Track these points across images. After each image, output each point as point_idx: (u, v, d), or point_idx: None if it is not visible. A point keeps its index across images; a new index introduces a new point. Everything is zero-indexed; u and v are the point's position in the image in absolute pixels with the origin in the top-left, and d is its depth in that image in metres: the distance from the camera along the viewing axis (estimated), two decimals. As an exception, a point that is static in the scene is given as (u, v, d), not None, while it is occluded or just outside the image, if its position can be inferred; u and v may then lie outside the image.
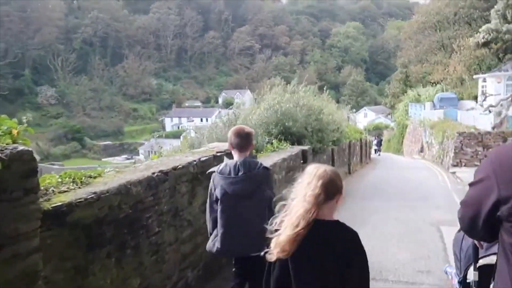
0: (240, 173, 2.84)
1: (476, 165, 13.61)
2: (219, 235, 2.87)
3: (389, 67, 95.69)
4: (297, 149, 7.28)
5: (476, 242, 1.97)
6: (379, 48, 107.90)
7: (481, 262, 2.15)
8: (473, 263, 2.18)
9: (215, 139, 7.64)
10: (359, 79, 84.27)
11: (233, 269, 3.12)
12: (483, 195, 1.39)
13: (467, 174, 12.12)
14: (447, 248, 4.95)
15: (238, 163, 2.89)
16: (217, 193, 2.85)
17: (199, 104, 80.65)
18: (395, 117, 39.27)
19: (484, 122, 19.12)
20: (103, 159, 61.63)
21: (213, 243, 2.91)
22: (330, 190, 1.85)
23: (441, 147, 17.29)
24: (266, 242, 2.14)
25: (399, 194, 8.64)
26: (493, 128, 16.35)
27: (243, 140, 2.96)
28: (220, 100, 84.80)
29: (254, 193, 2.87)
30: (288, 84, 9.77)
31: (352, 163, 13.87)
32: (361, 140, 17.15)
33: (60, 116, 67.95)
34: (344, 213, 7.22)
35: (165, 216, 3.21)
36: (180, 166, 3.40)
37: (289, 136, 8.27)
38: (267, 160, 5.41)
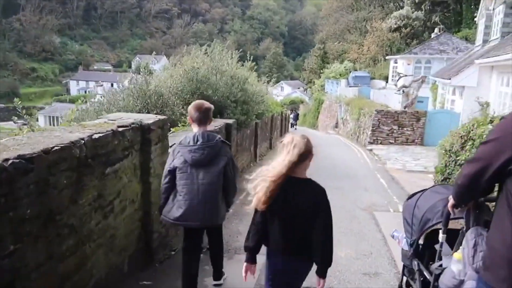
0: (198, 143, 3.00)
1: (391, 143, 14.07)
2: (179, 202, 2.97)
3: (306, 43, 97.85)
4: (220, 122, 6.32)
5: (449, 208, 2.27)
6: (297, 23, 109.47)
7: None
8: (443, 227, 2.47)
9: (120, 110, 6.34)
10: (278, 53, 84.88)
11: (183, 246, 3.15)
12: (497, 151, 1.61)
13: (384, 152, 12.39)
14: (386, 239, 4.52)
15: (197, 134, 3.05)
16: (176, 163, 2.99)
17: (110, 67, 74.54)
18: (312, 92, 40.12)
19: (394, 101, 20.07)
20: (-6, 124, 54.16)
21: (170, 210, 2.98)
22: (304, 155, 2.22)
23: (357, 124, 17.68)
24: (221, 214, 2.98)
25: (324, 172, 8.24)
26: (405, 107, 17.06)
27: (203, 115, 3.10)
28: (133, 65, 79.10)
29: (212, 163, 3.01)
30: (208, 47, 8.62)
31: (273, 138, 13.39)
32: (282, 114, 16.77)
33: None
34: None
35: (29, 225, 2.09)
36: (56, 148, 2.27)
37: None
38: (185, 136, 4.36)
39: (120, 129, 3.02)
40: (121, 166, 3.06)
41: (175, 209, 2.95)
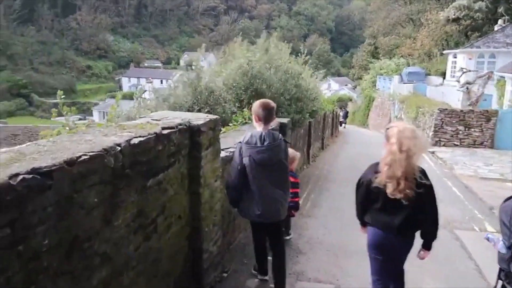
0: (265, 143, 3.04)
1: (456, 145, 12.79)
2: (255, 201, 3.06)
3: (353, 38, 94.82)
4: (274, 122, 5.71)
5: None
6: (345, 18, 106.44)
7: None
8: None
9: (167, 107, 5.89)
10: (325, 49, 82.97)
11: (254, 237, 3.38)
12: None
13: (449, 155, 11.21)
14: (481, 269, 3.70)
15: (263, 134, 3.07)
16: (245, 162, 3.00)
17: (159, 64, 76.51)
18: (362, 89, 38.50)
19: (453, 99, 18.45)
20: (53, 119, 57.19)
21: (249, 208, 3.09)
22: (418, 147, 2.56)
23: (414, 123, 16.40)
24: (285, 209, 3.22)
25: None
26: (469, 105, 15.57)
27: (269, 113, 3.13)
28: (182, 62, 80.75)
29: (278, 163, 3.10)
30: (257, 39, 8.05)
31: (325, 137, 12.60)
32: (333, 111, 15.91)
33: (4, 69, 61.87)
34: (330, 204, 5.83)
35: (46, 258, 1.59)
36: (84, 158, 1.76)
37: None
38: (239, 137, 3.77)
39: (165, 131, 2.48)
40: (165, 176, 2.53)
41: (254, 207, 3.05)
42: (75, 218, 1.73)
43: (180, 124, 2.69)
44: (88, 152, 1.79)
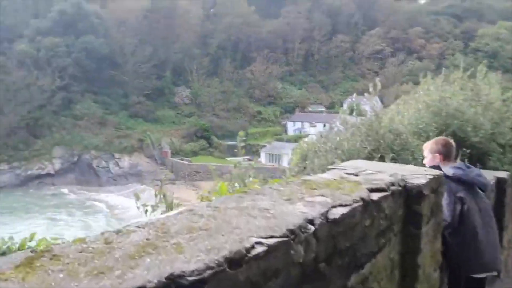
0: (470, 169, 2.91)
1: None
2: (476, 249, 2.72)
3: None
4: (489, 175, 4.23)
5: None
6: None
7: None
8: None
9: (338, 155, 5.06)
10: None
11: None
12: None
13: None
14: None
15: (466, 172, 2.87)
16: (458, 204, 2.75)
17: (323, 109, 78.03)
18: None
19: None
20: (227, 159, 63.70)
21: (468, 260, 2.73)
22: None
23: None
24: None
25: None
26: None
27: (451, 149, 3.07)
28: (345, 106, 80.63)
29: (486, 202, 2.94)
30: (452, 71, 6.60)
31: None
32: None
33: (192, 115, 72.59)
34: None
35: None
36: (259, 250, 1.05)
37: (464, 150, 5.23)
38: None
39: (374, 195, 1.58)
40: (372, 267, 1.61)
41: (473, 257, 2.72)
42: None
43: (393, 184, 1.76)
44: (265, 238, 1.05)
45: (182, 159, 62.59)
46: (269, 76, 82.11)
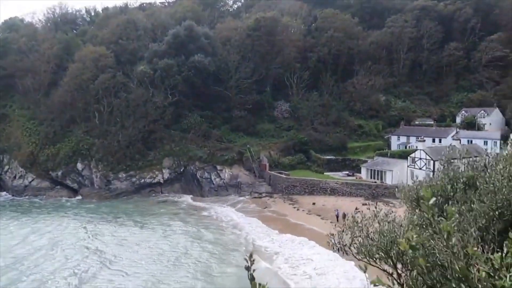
0: None
1: None
2: None
3: None
4: None
5: None
6: None
7: None
8: None
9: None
10: None
11: None
12: None
13: None
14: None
15: None
16: None
17: (431, 122, 71.77)
18: None
19: None
20: (325, 173, 62.08)
21: None
22: None
23: None
24: None
25: None
26: None
27: None
28: (458, 119, 73.05)
29: None
30: None
31: None
32: None
33: (291, 129, 72.73)
34: None
35: None
36: None
37: None
38: None
39: None
40: None
41: None
42: None
43: None
44: None
45: (280, 173, 62.76)
46: (371, 88, 78.67)
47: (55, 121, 70.13)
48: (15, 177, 67.35)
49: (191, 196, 63.36)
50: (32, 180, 66.49)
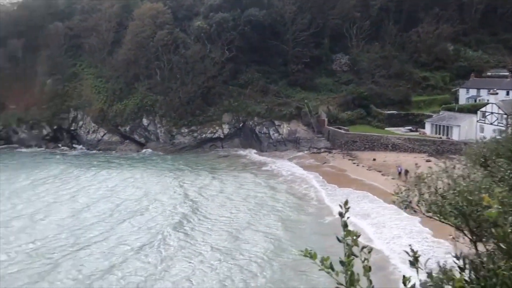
0: None
1: None
2: None
3: None
4: None
5: None
6: None
7: None
8: None
9: None
10: None
11: None
12: None
13: None
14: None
15: None
16: None
17: (506, 73, 66.17)
18: None
19: None
20: (386, 128, 60.45)
21: None
22: None
23: None
24: None
25: None
26: None
27: None
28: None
29: None
30: None
31: None
32: None
33: (350, 83, 70.68)
34: None
35: None
36: None
37: None
38: None
39: None
40: None
41: None
42: None
43: None
44: None
45: (339, 128, 62.10)
46: (438, 37, 73.17)
47: (120, 78, 73.37)
48: (88, 132, 72.57)
49: (255, 150, 64.79)
50: (104, 135, 71.35)
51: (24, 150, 71.28)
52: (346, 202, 2.77)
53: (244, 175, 51.31)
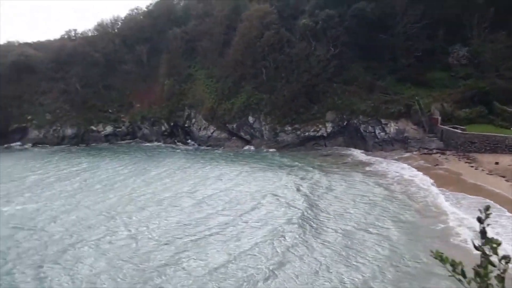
0: None
1: None
2: None
3: None
4: None
5: None
6: None
7: None
8: None
9: None
10: None
11: None
12: None
13: None
14: None
15: None
16: None
17: None
18: None
19: None
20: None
21: None
22: None
23: None
24: None
25: None
26: None
27: None
28: None
29: None
30: None
31: None
32: None
33: (470, 77, 64.17)
34: None
35: None
36: None
37: None
38: None
39: None
40: None
41: None
42: None
43: None
44: None
45: (454, 127, 56.98)
46: None
47: (229, 78, 77.67)
48: (200, 128, 78.59)
49: (359, 150, 62.96)
50: (213, 132, 76.52)
51: (147, 144, 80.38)
52: (487, 208, 2.56)
53: (351, 173, 50.24)
